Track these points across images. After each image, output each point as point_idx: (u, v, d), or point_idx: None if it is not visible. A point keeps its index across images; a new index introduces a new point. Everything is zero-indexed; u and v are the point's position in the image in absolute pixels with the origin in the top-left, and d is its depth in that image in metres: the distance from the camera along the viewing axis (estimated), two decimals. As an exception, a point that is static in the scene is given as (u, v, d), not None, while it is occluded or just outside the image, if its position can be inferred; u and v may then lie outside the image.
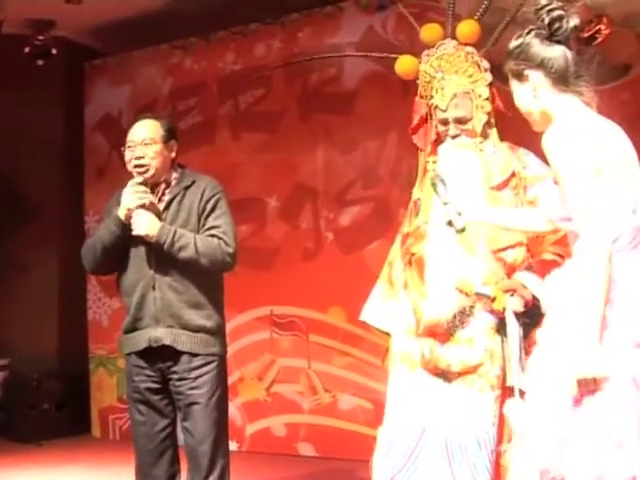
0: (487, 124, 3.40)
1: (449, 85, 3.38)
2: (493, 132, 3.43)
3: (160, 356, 3.72)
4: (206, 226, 3.72)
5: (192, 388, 3.69)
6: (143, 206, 3.62)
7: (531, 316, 3.11)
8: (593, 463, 2.41)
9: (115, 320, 7.59)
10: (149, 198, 3.68)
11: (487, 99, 3.39)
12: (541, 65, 2.73)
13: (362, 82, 6.48)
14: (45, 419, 7.44)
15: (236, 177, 6.78)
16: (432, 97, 3.43)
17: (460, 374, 3.24)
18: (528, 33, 2.76)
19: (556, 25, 2.70)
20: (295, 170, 6.46)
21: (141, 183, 3.68)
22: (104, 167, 7.75)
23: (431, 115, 3.50)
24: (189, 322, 3.69)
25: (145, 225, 3.59)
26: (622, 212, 2.57)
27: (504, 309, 3.13)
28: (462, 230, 2.97)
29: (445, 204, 3.02)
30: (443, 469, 3.22)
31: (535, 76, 2.75)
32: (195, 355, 3.70)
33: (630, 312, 2.50)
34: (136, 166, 3.72)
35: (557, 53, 2.71)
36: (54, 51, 7.19)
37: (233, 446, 6.83)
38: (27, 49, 7.10)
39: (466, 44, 3.52)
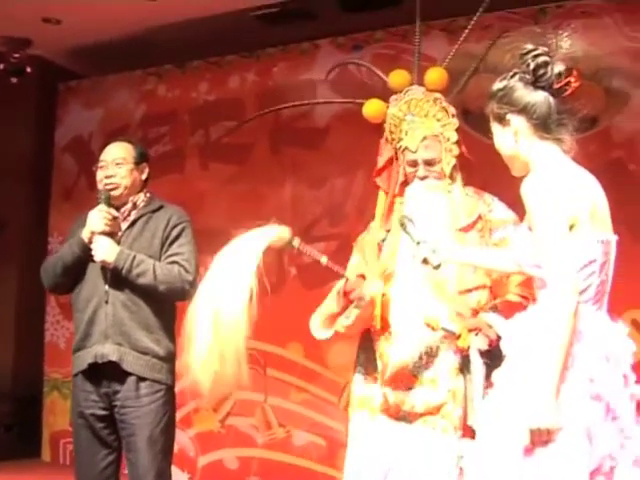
0: (455, 167, 3.43)
1: (419, 127, 3.41)
2: (459, 177, 3.46)
3: (106, 377, 3.67)
4: (169, 252, 3.72)
5: (136, 417, 3.63)
6: (107, 233, 3.63)
7: (493, 357, 3.11)
8: None
9: (72, 343, 7.51)
10: (115, 218, 3.69)
11: (455, 143, 3.42)
12: (524, 110, 2.74)
13: (333, 119, 6.51)
14: (-6, 440, 7.34)
15: (203, 207, 6.77)
16: (400, 139, 3.46)
17: (422, 415, 3.22)
18: (512, 76, 2.78)
19: (541, 71, 2.72)
20: (262, 203, 6.43)
21: (110, 203, 3.69)
22: (71, 189, 7.72)
23: (397, 158, 3.52)
24: (138, 343, 3.65)
25: (103, 251, 3.58)
26: (591, 264, 2.60)
27: (469, 347, 3.14)
28: (438, 266, 2.99)
29: (418, 243, 3.04)
30: None
31: (517, 121, 2.76)
32: (141, 380, 3.65)
33: (591, 364, 2.52)
34: (106, 185, 3.75)
35: (540, 99, 2.72)
36: (29, 69, 7.19)
37: (184, 477, 6.79)
38: (1, 66, 7.09)
39: (434, 90, 3.55)
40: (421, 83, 3.65)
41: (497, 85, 2.82)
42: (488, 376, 3.08)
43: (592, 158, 5.80)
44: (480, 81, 5.69)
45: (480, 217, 3.36)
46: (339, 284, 3.43)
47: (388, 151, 3.55)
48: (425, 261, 3.01)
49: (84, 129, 7.83)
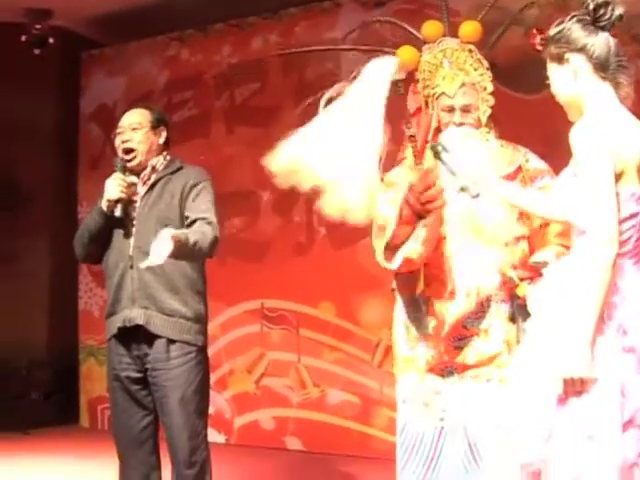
0: (490, 118, 3.41)
1: (457, 74, 3.37)
2: (493, 127, 3.43)
3: (137, 341, 3.70)
4: (194, 210, 3.70)
5: (167, 379, 3.65)
6: (123, 199, 3.66)
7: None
8: (572, 463, 2.42)
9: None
10: (131, 185, 3.72)
11: (491, 94, 3.40)
12: (583, 49, 2.69)
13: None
14: (33, 409, 7.43)
15: (230, 170, 6.79)
16: (437, 85, 3.40)
17: (473, 367, 3.21)
18: (570, 19, 2.73)
19: (601, 11, 2.66)
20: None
21: (125, 171, 3.71)
22: (98, 158, 7.74)
23: (427, 106, 3.47)
24: (164, 305, 3.66)
25: (160, 257, 3.51)
26: (633, 217, 2.56)
27: (525, 295, 3.09)
28: (477, 196, 2.88)
29: (453, 174, 2.93)
30: (470, 470, 3.17)
31: (576, 59, 2.71)
32: (171, 342, 3.65)
33: (626, 317, 2.50)
34: (124, 150, 3.77)
35: (600, 40, 2.67)
36: (51, 40, 7.19)
37: (221, 438, 6.86)
38: (24, 38, 7.10)
39: (468, 42, 3.51)
40: (453, 35, 3.62)
41: (554, 29, 2.77)
42: None
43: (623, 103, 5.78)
44: (507, 34, 5.67)
45: (520, 167, 3.36)
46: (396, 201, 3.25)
47: (416, 101, 3.51)
48: (463, 189, 2.88)
49: (109, 97, 7.84)
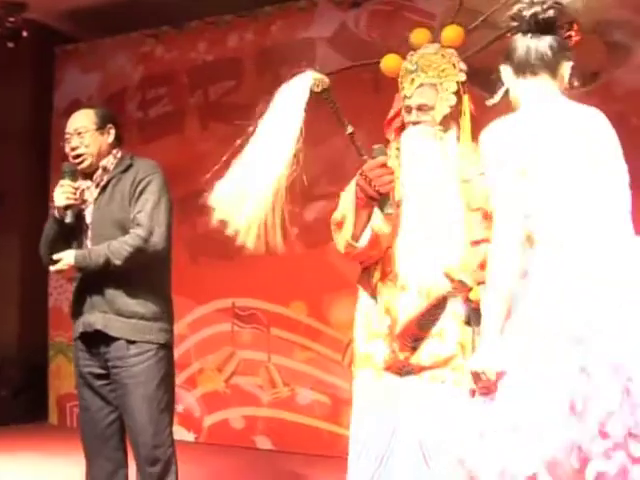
0: (451, 118, 3.42)
1: (419, 76, 3.43)
2: (466, 130, 3.43)
3: (98, 342, 3.70)
4: (134, 211, 3.71)
5: (128, 377, 3.64)
6: (71, 206, 3.65)
7: None
8: (498, 457, 2.43)
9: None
10: (80, 188, 3.72)
11: (454, 93, 3.41)
12: (507, 58, 2.84)
13: (332, 77, 6.48)
14: (2, 406, 7.37)
15: (203, 167, 6.73)
16: (402, 88, 3.48)
17: (429, 368, 3.21)
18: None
19: (518, 20, 2.81)
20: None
21: (74, 176, 3.71)
22: (71, 153, 7.70)
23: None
24: (122, 308, 3.65)
25: (64, 262, 3.61)
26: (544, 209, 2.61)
27: (479, 300, 3.11)
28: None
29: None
30: (420, 469, 3.16)
31: (504, 69, 2.87)
32: (131, 342, 3.65)
33: (535, 306, 2.53)
34: (74, 157, 3.76)
35: (519, 43, 2.80)
36: (25, 34, 7.14)
37: (190, 437, 6.85)
38: (-3, 31, 7.05)
39: (449, 47, 3.56)
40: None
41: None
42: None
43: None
44: (480, 37, 5.69)
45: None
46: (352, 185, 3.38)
47: (398, 104, 3.57)
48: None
49: (82, 93, 7.79)
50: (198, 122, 7.17)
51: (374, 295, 3.39)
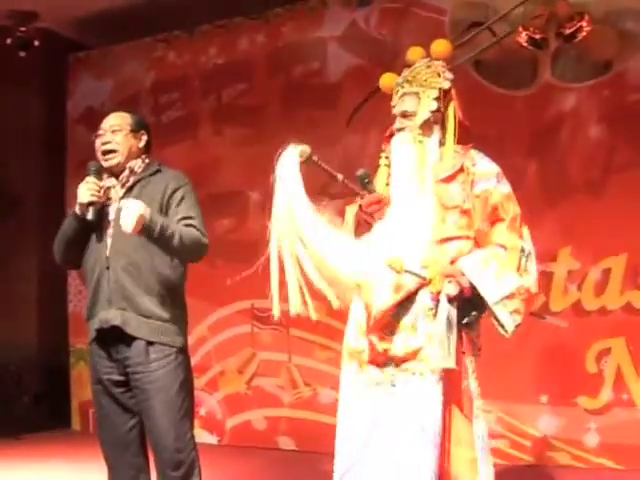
0: (434, 122, 3.58)
1: (403, 87, 3.63)
2: (450, 133, 3.56)
3: (117, 344, 3.67)
4: (179, 215, 3.71)
5: (148, 382, 3.62)
6: (94, 203, 3.63)
7: (466, 304, 3.30)
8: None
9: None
10: (105, 187, 3.71)
11: (436, 99, 3.56)
12: None
13: (345, 77, 6.51)
14: (24, 413, 7.42)
15: (218, 171, 6.79)
16: (392, 101, 3.68)
17: (404, 360, 3.33)
18: None
19: None
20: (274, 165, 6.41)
21: (99, 174, 3.71)
22: (86, 160, 7.59)
23: None
24: (140, 306, 3.63)
25: (131, 224, 3.55)
26: None
27: (438, 292, 3.28)
28: None
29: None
30: (390, 460, 3.29)
31: None
32: (149, 344, 3.63)
33: None
34: (104, 152, 3.77)
35: None
36: (36, 43, 7.17)
37: (213, 439, 6.86)
38: (9, 40, 7.08)
39: (438, 59, 3.71)
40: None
41: None
42: (460, 321, 3.28)
43: (605, 103, 5.80)
44: (491, 31, 5.68)
45: (462, 169, 3.47)
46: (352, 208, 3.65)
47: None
48: None
49: (96, 99, 7.83)
50: (211, 126, 7.18)
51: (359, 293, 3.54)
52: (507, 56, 5.74)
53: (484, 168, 3.49)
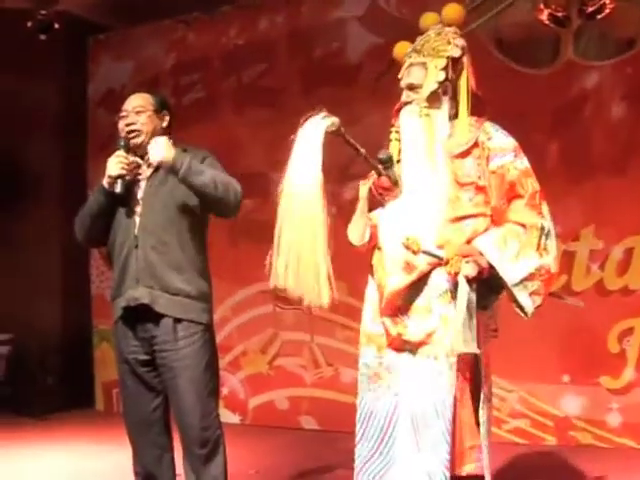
0: (443, 94, 3.43)
1: (410, 57, 3.49)
2: (462, 106, 3.43)
3: (143, 322, 3.69)
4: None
5: (175, 360, 3.64)
6: (123, 176, 3.64)
7: (484, 285, 3.21)
8: None
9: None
10: (134, 162, 3.72)
11: (444, 69, 3.40)
12: None
13: (366, 56, 6.49)
14: (49, 393, 7.47)
15: (239, 152, 6.79)
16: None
17: (421, 344, 3.26)
18: None
19: None
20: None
21: (128, 150, 3.73)
22: (107, 142, 7.72)
23: None
24: (169, 284, 3.65)
25: (161, 151, 3.59)
26: None
27: (456, 273, 3.17)
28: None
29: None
30: (411, 444, 3.26)
31: None
32: (177, 321, 3.65)
33: None
34: (128, 132, 3.77)
35: None
36: (57, 26, 7.17)
37: (236, 419, 6.90)
38: (29, 24, 7.08)
39: (450, 25, 3.57)
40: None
41: None
42: (478, 303, 3.18)
43: (628, 81, 5.76)
44: (514, 10, 5.65)
45: (477, 144, 3.35)
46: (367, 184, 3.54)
47: None
48: None
49: (116, 81, 7.84)
50: (232, 107, 7.18)
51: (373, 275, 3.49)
52: (529, 34, 5.71)
53: (500, 142, 3.36)
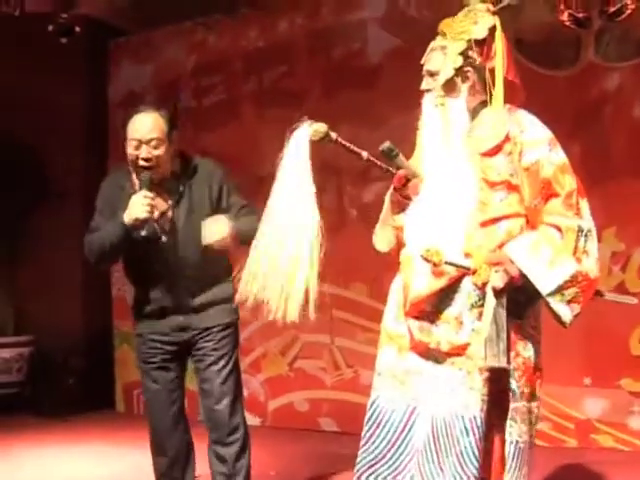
0: (459, 81, 3.12)
1: (434, 41, 3.20)
2: (497, 93, 3.09)
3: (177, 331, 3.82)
4: (237, 206, 3.77)
5: (213, 349, 3.78)
6: (148, 220, 3.57)
7: (517, 294, 2.97)
8: None
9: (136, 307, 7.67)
10: (158, 207, 3.67)
11: (462, 53, 3.09)
12: None
13: (386, 57, 6.49)
14: (70, 394, 7.51)
15: (260, 153, 6.78)
16: None
17: (449, 354, 3.05)
18: None
19: None
20: (319, 146, 6.41)
21: (149, 187, 3.61)
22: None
23: None
24: (209, 298, 3.78)
25: (217, 235, 3.65)
26: None
27: (484, 284, 2.95)
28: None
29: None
30: (430, 454, 3.05)
31: None
32: (218, 327, 3.81)
33: None
34: (143, 167, 3.65)
35: None
36: (77, 29, 7.20)
37: (256, 421, 6.90)
38: (50, 27, 7.11)
39: (484, 1, 3.21)
40: None
41: None
42: (511, 314, 2.95)
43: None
44: (534, 11, 5.63)
45: (508, 138, 3.05)
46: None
47: None
48: None
49: (137, 84, 7.89)
50: (253, 109, 7.19)
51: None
52: (549, 35, 5.69)
53: (534, 136, 3.06)
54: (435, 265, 2.95)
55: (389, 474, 3.15)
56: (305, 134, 3.06)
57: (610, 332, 5.64)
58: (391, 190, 3.28)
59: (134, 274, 3.90)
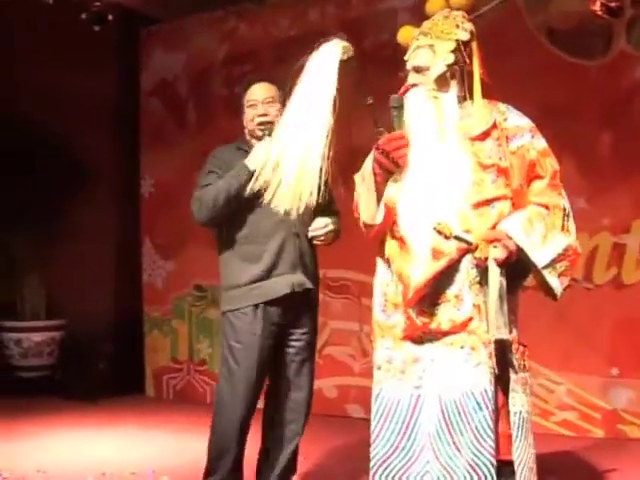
0: (451, 77, 3.34)
1: (417, 40, 3.41)
2: (476, 89, 3.33)
3: (287, 308, 3.86)
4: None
5: (309, 343, 3.96)
6: None
7: (513, 269, 3.13)
8: None
9: (169, 282, 7.73)
10: None
11: (452, 52, 3.31)
12: None
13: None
14: (100, 378, 7.60)
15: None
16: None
17: (449, 333, 3.16)
18: None
19: None
20: (351, 134, 6.45)
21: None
22: (159, 133, 7.85)
23: None
24: (313, 273, 3.97)
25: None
26: None
27: (486, 258, 3.09)
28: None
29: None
30: (442, 437, 3.14)
31: None
32: (315, 307, 4.01)
33: None
34: (260, 123, 3.88)
35: None
36: (110, 17, 7.26)
37: (284, 407, 6.94)
38: (83, 15, 7.17)
39: (458, 9, 3.54)
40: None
41: None
42: (508, 288, 3.09)
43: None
44: (566, 0, 5.62)
45: (495, 125, 3.27)
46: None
47: None
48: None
49: (168, 73, 7.93)
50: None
51: (389, 265, 3.34)
52: (581, 24, 5.67)
53: (517, 123, 3.31)
54: (446, 237, 3.09)
55: (403, 465, 3.24)
56: (335, 50, 3.33)
57: (638, 322, 5.63)
58: (376, 155, 3.32)
59: (246, 233, 3.89)
